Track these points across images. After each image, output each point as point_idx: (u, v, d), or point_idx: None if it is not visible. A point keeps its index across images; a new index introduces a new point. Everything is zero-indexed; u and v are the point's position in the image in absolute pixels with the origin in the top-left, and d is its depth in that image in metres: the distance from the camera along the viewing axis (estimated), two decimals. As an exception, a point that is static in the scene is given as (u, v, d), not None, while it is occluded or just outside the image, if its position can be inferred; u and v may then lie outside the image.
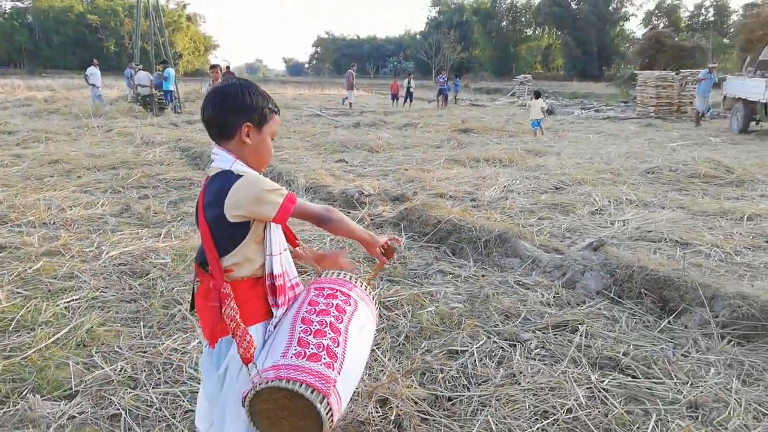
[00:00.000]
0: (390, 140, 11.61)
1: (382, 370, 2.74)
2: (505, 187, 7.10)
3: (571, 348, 3.02)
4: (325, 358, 1.56)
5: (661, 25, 54.06)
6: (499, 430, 2.32)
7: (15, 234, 4.90)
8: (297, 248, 1.90)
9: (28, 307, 3.36)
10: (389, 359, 2.88)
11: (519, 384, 2.67)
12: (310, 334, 1.60)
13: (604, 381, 2.71)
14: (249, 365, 1.53)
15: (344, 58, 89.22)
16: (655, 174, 7.86)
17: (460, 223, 4.95)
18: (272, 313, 1.67)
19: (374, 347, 2.99)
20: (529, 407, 2.48)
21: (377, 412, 2.38)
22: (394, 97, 24.68)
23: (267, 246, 1.63)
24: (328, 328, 1.64)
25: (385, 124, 15.19)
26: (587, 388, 2.65)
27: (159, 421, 2.38)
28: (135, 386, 2.64)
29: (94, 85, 18.20)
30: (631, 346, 3.05)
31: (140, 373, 2.73)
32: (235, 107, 1.62)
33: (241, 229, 1.59)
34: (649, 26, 55.06)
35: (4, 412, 2.41)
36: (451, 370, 2.78)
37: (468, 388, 2.65)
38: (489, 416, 2.41)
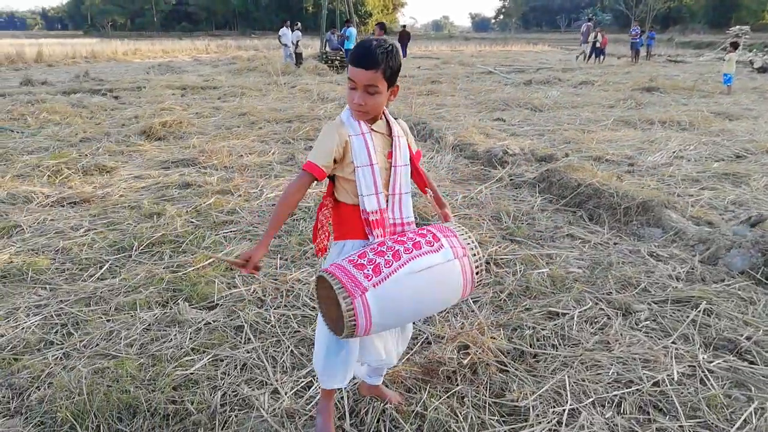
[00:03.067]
0: (559, 99, 11.08)
1: (472, 321, 2.85)
2: (673, 152, 6.48)
3: (684, 324, 2.82)
4: (368, 270, 1.69)
5: None
6: (572, 390, 2.32)
7: (200, 174, 5.80)
8: (426, 195, 2.04)
9: (195, 234, 4.05)
10: (483, 312, 2.98)
11: (610, 351, 2.60)
12: (372, 251, 1.75)
13: (712, 362, 2.52)
14: (320, 257, 1.85)
15: (533, 12, 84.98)
16: None
17: (602, 187, 4.71)
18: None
19: (472, 299, 3.10)
20: (612, 374, 2.42)
21: (455, 355, 2.52)
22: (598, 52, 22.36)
23: (357, 187, 1.81)
24: (390, 252, 1.74)
25: (560, 81, 14.43)
26: (689, 366, 2.49)
27: (272, 336, 2.79)
28: (260, 306, 3.10)
29: (285, 45, 19.87)
30: (761, 332, 2.75)
31: (267, 296, 3.19)
32: None
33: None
34: None
35: (164, 313, 3.02)
36: (544, 330, 2.79)
37: (556, 348, 2.66)
38: (567, 376, 2.41)
